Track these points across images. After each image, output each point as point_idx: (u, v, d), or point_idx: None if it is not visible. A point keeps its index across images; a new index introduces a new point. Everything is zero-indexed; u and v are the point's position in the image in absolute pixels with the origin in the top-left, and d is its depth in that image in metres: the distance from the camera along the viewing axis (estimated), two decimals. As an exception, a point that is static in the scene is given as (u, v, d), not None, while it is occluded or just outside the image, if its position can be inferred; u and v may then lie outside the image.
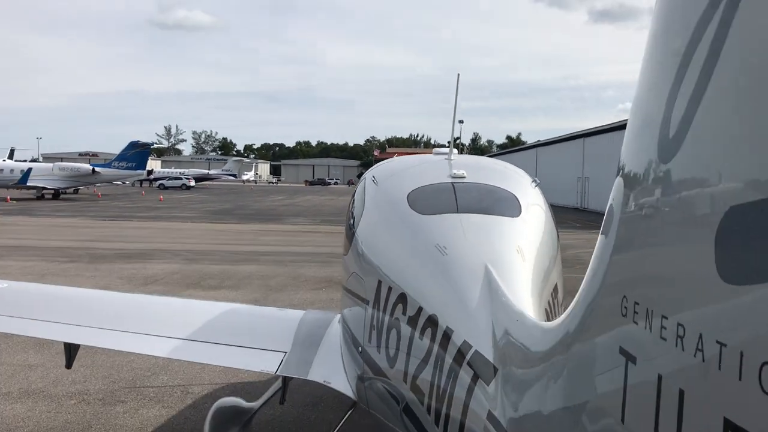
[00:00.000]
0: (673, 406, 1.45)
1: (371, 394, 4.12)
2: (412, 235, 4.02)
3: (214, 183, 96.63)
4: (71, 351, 5.73)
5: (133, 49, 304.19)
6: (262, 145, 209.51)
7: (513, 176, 4.98)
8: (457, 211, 4.03)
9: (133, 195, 62.46)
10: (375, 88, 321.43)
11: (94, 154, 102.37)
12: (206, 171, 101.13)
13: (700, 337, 1.36)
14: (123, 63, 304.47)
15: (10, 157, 66.37)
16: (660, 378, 1.51)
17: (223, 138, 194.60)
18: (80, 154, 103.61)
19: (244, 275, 16.95)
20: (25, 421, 7.20)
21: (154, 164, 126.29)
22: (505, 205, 4.21)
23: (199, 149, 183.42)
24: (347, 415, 5.01)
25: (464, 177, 4.51)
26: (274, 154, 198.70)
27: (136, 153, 57.85)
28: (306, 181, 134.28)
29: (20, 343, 9.78)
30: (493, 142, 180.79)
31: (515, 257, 3.56)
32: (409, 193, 4.35)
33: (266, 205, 50.97)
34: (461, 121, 59.27)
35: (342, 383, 4.65)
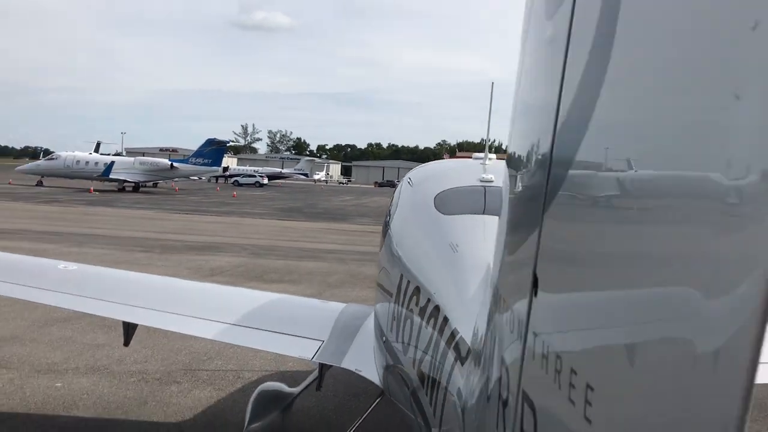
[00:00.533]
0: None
1: (392, 381, 4.35)
2: (432, 232, 4.22)
3: (287, 182, 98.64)
4: (129, 330, 6.20)
5: (214, 48, 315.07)
6: (334, 145, 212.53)
7: None
8: (483, 213, 4.15)
9: (208, 190, 64.55)
10: (446, 92, 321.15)
11: (174, 150, 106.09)
12: (279, 170, 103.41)
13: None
14: (204, 62, 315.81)
15: (96, 150, 69.51)
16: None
17: (297, 138, 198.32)
18: (161, 149, 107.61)
19: (305, 271, 17.44)
20: (89, 394, 7.78)
21: (230, 162, 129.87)
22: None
23: (273, 148, 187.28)
24: (374, 404, 5.25)
25: (492, 181, 4.59)
26: (345, 155, 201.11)
27: (213, 150, 59.70)
28: (376, 183, 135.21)
29: (90, 324, 10.46)
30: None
31: None
32: (437, 195, 4.55)
33: (334, 205, 51.80)
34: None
35: (371, 372, 4.90)
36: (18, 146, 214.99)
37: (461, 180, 4.80)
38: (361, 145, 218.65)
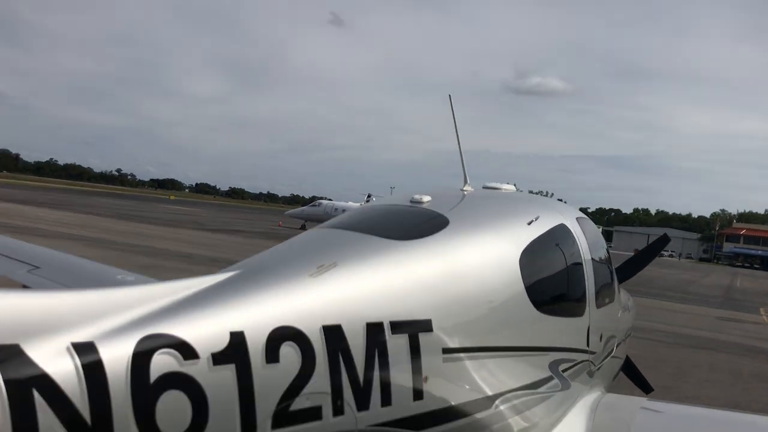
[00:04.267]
0: None
1: None
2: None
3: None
4: None
5: (485, 112, 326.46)
6: (596, 209, 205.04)
7: (499, 212, 4.30)
8: (353, 230, 3.60)
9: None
10: (731, 157, 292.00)
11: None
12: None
13: None
14: (474, 124, 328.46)
15: (367, 201, 76.28)
16: None
17: (558, 199, 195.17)
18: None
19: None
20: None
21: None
22: (410, 230, 3.56)
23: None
24: None
25: (422, 203, 4.00)
26: (608, 219, 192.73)
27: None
28: (636, 250, 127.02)
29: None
30: None
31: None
32: (361, 211, 4.28)
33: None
34: None
35: None
36: (306, 195, 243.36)
37: (399, 200, 4.29)
38: (627, 210, 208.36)
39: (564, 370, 4.13)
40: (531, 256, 3.87)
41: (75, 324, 2.03)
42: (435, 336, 3.02)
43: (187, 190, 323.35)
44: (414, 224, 3.77)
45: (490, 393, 3.35)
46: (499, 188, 4.95)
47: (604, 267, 5.34)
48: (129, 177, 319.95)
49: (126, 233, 34.43)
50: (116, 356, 2.04)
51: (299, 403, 2.45)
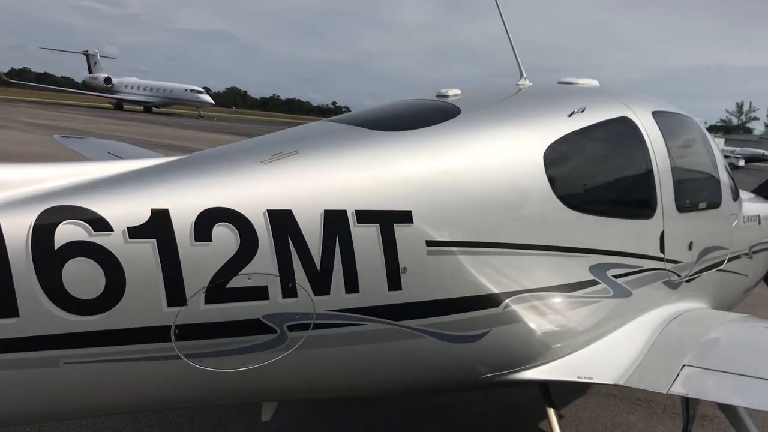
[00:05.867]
0: None
1: None
2: None
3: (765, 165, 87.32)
4: None
5: (715, 20, 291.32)
6: None
7: (534, 104, 4.14)
8: (347, 123, 3.60)
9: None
10: None
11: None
12: (762, 151, 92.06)
13: None
14: (701, 37, 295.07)
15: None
16: None
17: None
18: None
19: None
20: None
21: (718, 142, 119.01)
22: (406, 122, 3.51)
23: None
24: None
25: (447, 96, 3.96)
26: None
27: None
28: None
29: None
30: None
31: None
32: (380, 106, 4.23)
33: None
34: None
35: None
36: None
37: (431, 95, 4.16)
38: None
39: (618, 276, 3.81)
40: (564, 150, 3.66)
41: None
42: (416, 228, 2.97)
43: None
44: (415, 116, 3.73)
45: (496, 290, 3.24)
46: (574, 83, 4.59)
47: (699, 168, 4.94)
48: (343, 109, 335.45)
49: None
50: (15, 224, 2.27)
51: (238, 282, 2.58)
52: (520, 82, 4.65)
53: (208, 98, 76.90)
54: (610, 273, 3.80)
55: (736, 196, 5.42)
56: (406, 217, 2.96)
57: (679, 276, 4.39)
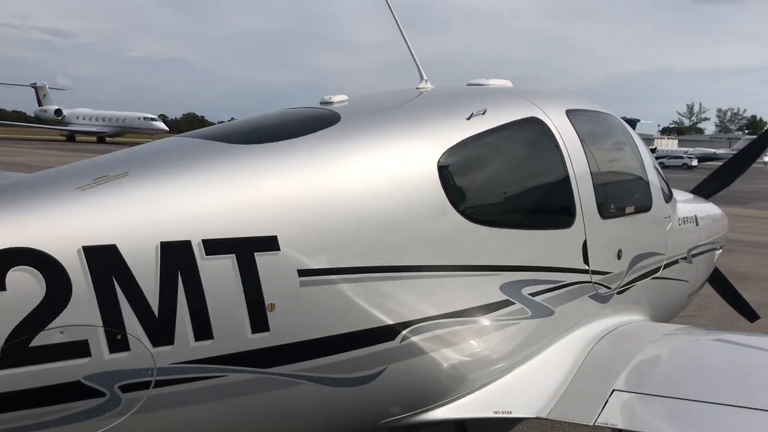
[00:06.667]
0: None
1: None
2: None
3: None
4: None
5: (664, 26, 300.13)
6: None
7: (426, 107, 3.83)
8: (201, 137, 3.13)
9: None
10: None
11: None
12: (713, 150, 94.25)
13: None
14: (652, 42, 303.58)
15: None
16: None
17: (752, 116, 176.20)
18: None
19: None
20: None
21: (671, 143, 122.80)
22: (272, 133, 3.04)
23: (723, 128, 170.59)
24: None
25: (332, 103, 3.57)
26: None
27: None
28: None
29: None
30: None
31: None
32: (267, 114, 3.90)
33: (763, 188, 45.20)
34: None
35: None
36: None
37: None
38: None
39: (536, 293, 3.41)
40: (462, 156, 3.27)
41: None
42: (283, 255, 2.54)
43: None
44: (285, 126, 3.33)
45: (390, 321, 2.81)
46: (484, 84, 4.16)
47: (623, 170, 4.61)
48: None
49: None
50: None
51: (46, 338, 2.11)
52: (420, 86, 4.21)
53: (162, 125, 75.80)
54: (526, 291, 3.38)
55: (668, 198, 5.07)
56: (270, 243, 2.52)
57: (609, 288, 4.00)
